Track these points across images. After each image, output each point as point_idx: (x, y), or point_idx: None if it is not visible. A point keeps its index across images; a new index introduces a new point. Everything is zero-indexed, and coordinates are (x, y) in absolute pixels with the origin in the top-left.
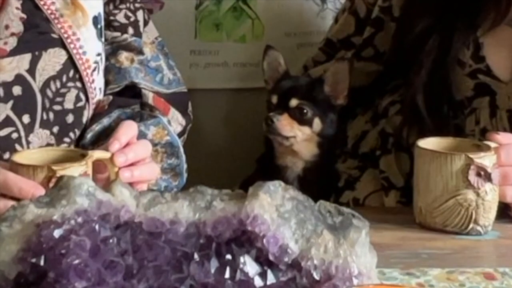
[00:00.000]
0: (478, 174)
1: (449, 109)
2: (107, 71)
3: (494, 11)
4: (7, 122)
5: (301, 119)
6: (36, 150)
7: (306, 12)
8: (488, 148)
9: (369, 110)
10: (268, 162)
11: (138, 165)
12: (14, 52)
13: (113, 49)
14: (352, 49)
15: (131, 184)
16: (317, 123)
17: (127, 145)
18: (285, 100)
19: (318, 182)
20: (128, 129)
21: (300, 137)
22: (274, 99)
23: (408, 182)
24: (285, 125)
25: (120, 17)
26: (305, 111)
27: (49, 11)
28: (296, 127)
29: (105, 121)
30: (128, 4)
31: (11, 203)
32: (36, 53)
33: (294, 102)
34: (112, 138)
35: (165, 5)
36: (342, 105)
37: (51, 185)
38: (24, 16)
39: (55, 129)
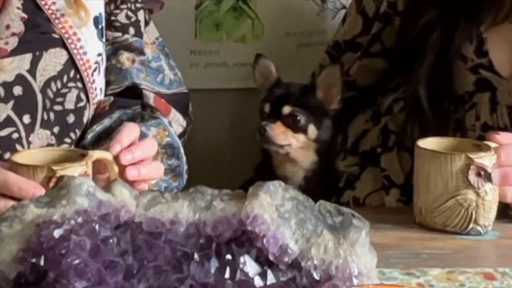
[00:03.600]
0: (478, 174)
1: (449, 103)
2: (108, 71)
3: (497, 9)
4: (8, 122)
5: (295, 126)
6: (36, 150)
7: (306, 12)
8: (488, 148)
9: (369, 108)
10: (266, 172)
11: (145, 164)
12: (15, 52)
13: (114, 49)
14: (356, 50)
15: (136, 182)
16: (312, 129)
17: (130, 145)
18: (278, 108)
19: (320, 189)
20: (130, 131)
21: (295, 145)
22: (267, 107)
23: (408, 180)
24: (278, 133)
25: (121, 17)
26: (298, 118)
27: (50, 11)
28: (290, 135)
29: (106, 121)
30: (129, 4)
31: (11, 203)
32: (37, 53)
33: (286, 110)
34: (114, 140)
35: (165, 5)
36: (336, 109)
37: (51, 185)
38: (25, 16)
39: (56, 129)
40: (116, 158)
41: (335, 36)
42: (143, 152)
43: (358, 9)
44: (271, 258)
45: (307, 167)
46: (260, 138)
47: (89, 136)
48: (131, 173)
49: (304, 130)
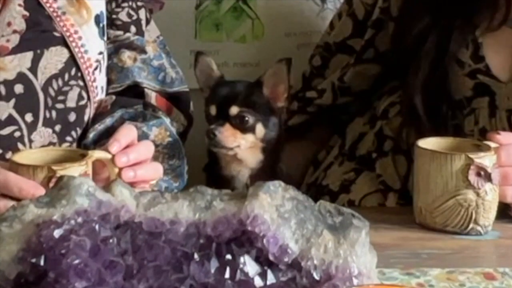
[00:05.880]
0: (478, 174)
1: (448, 109)
2: (109, 70)
3: (492, 13)
4: (10, 120)
5: (243, 127)
6: (36, 150)
7: (306, 12)
8: (488, 148)
9: (367, 111)
10: (214, 172)
11: (142, 165)
12: (16, 50)
13: (115, 48)
14: (347, 53)
15: (134, 184)
16: (260, 128)
17: (127, 147)
18: (225, 109)
19: None
20: (128, 132)
21: (244, 145)
22: (213, 109)
23: (404, 185)
24: (227, 136)
25: (123, 16)
26: (246, 118)
27: (51, 9)
28: (239, 136)
29: (108, 121)
30: (130, 3)
31: (11, 203)
32: (38, 51)
33: (234, 110)
34: (112, 139)
35: (165, 5)
36: (283, 107)
37: (51, 185)
38: (27, 13)
39: (58, 128)
40: (113, 160)
41: (324, 37)
42: (139, 154)
43: (348, 12)
44: (271, 258)
45: (253, 166)
46: (209, 142)
47: (91, 135)
48: (127, 175)
49: (252, 130)
